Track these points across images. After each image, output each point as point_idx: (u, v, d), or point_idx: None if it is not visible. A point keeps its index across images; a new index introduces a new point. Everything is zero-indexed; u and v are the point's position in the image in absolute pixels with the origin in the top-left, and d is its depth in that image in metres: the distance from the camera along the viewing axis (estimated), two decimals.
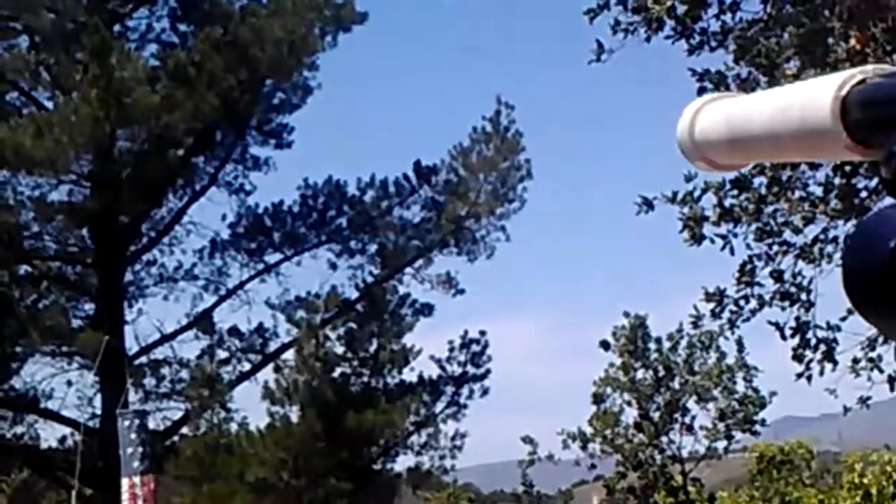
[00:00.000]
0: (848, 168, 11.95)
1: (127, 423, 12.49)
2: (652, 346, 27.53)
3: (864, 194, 12.05)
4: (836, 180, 12.09)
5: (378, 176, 24.54)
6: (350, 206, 24.53)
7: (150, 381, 24.09)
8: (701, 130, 1.24)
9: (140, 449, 11.79)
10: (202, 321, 24.46)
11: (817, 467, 27.05)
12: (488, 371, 24.96)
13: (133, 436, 11.87)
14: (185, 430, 24.09)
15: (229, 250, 24.62)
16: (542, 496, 30.99)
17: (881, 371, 12.43)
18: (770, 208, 12.32)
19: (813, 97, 1.03)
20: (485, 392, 25.00)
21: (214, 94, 21.88)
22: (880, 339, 12.42)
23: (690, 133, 1.25)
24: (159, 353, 24.27)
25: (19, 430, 23.58)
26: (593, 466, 27.75)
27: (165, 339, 24.17)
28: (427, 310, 24.59)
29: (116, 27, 23.22)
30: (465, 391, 24.88)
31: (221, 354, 24.31)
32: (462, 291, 24.76)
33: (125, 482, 11.39)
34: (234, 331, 24.44)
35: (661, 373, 27.54)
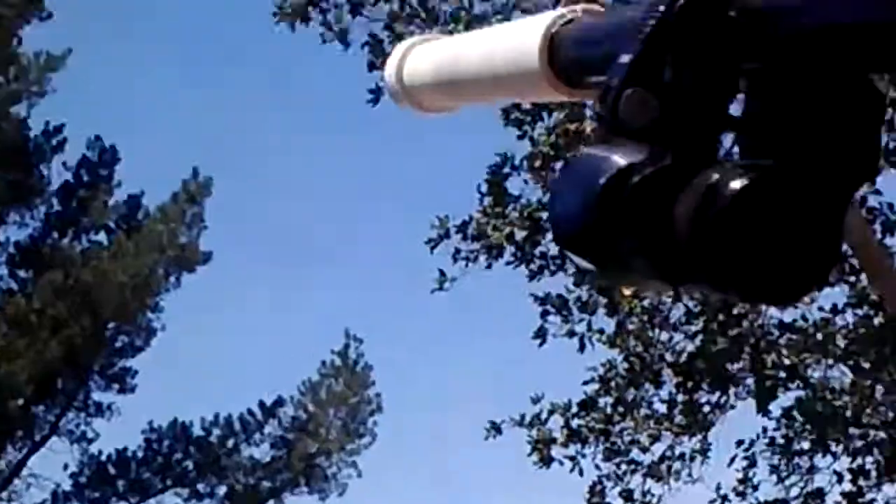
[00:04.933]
0: (690, 384, 12.17)
1: None
2: None
3: (707, 409, 12.25)
4: (679, 397, 12.29)
5: (223, 414, 24.30)
6: (196, 447, 24.08)
7: None
8: (409, 74, 1.20)
9: None
10: None
11: None
12: None
13: None
14: None
15: (72, 502, 23.87)
16: None
17: None
18: (617, 427, 12.43)
19: (521, 38, 1.01)
20: None
21: (56, 342, 21.54)
22: None
23: (398, 76, 1.21)
24: None
25: None
26: None
27: None
28: None
29: None
30: None
31: None
32: None
33: None
34: None
35: None
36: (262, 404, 24.30)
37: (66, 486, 23.81)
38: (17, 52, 22.65)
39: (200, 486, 23.98)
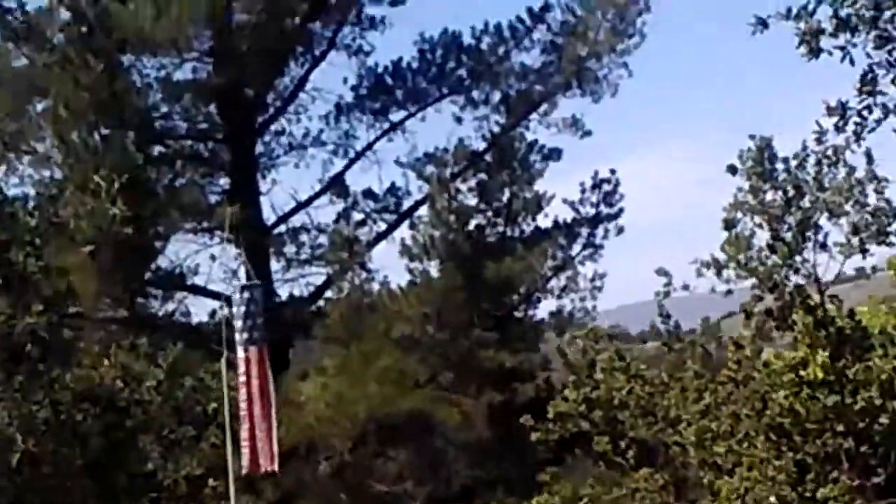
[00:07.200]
0: None
1: (239, 297, 12.44)
2: (779, 166, 26.99)
3: None
4: None
5: (492, 22, 24.44)
6: (468, 55, 24.43)
7: (290, 249, 24.55)
8: None
9: (250, 322, 11.92)
10: (335, 185, 24.76)
11: None
12: (621, 210, 24.96)
13: (244, 308, 11.98)
14: (329, 293, 24.49)
15: (354, 112, 24.79)
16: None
17: None
18: (887, 13, 12.02)
19: None
20: (620, 231, 25.03)
21: None
22: None
23: None
24: (296, 220, 24.70)
25: (170, 307, 24.11)
26: (729, 292, 27.47)
27: (301, 206, 24.56)
28: (556, 154, 24.59)
29: None
30: (600, 231, 24.95)
31: (357, 217, 24.64)
32: (589, 133, 24.64)
33: (241, 352, 11.60)
34: (367, 192, 24.74)
35: (791, 192, 27.02)
36: (529, 10, 24.31)
37: (348, 97, 24.78)
38: None
39: (475, 94, 24.47)
